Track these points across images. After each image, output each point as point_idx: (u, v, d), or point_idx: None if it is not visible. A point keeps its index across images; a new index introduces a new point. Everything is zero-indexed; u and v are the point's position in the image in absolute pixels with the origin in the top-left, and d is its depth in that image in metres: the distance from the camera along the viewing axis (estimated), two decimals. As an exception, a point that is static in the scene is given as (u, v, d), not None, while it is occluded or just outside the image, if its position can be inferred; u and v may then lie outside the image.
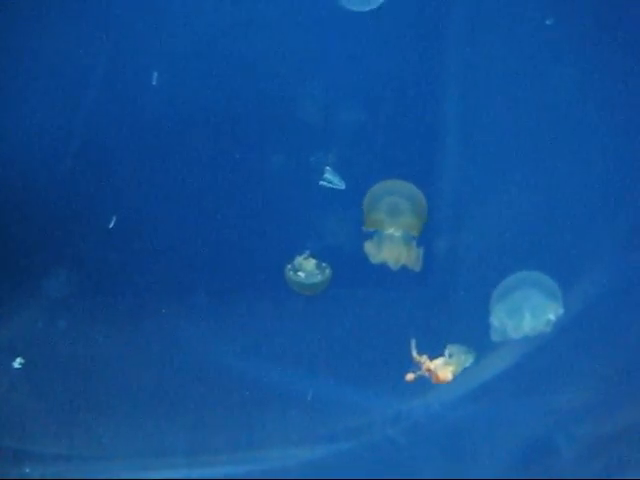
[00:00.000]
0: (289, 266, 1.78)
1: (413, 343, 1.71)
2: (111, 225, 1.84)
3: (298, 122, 1.85)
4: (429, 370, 1.70)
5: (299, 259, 1.78)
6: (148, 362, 1.98)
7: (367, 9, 1.75)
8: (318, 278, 1.77)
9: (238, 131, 1.86)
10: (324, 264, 1.78)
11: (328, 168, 1.72)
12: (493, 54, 1.85)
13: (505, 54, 1.85)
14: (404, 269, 1.82)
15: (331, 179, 1.70)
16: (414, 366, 1.73)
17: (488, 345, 1.86)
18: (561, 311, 1.71)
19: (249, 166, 1.88)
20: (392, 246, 1.72)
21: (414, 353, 1.71)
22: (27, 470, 1.95)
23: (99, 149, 1.86)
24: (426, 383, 1.90)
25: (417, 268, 1.75)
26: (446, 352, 1.73)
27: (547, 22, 1.80)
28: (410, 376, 1.72)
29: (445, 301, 1.94)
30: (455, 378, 1.75)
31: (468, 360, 1.72)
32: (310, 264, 1.78)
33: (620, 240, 1.90)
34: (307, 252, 1.80)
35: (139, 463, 1.99)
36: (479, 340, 1.86)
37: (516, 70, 1.86)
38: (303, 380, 1.98)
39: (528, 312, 1.70)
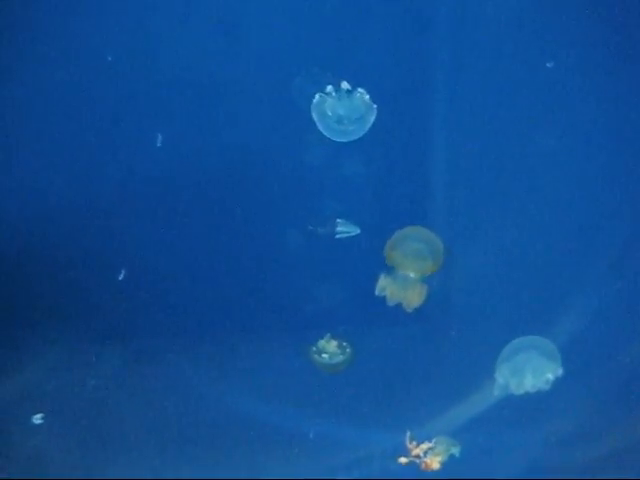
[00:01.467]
0: (314, 349, 1.91)
1: (408, 434, 1.84)
2: (120, 277, 1.94)
3: (301, 176, 1.96)
4: (418, 457, 1.83)
5: (322, 342, 1.91)
6: (155, 404, 2.06)
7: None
8: (340, 358, 1.90)
9: (243, 186, 1.97)
10: (344, 343, 1.91)
11: (339, 220, 1.82)
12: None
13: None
14: (400, 309, 1.95)
15: (345, 229, 1.80)
16: (407, 451, 1.88)
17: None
18: (560, 371, 1.85)
19: (253, 220, 1.98)
20: (405, 285, 1.81)
21: (407, 441, 1.85)
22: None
23: (108, 206, 1.96)
24: (422, 418, 2.02)
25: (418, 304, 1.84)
26: (433, 442, 1.86)
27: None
28: (403, 460, 1.87)
29: (442, 340, 2.03)
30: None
31: (455, 450, 1.86)
32: (332, 346, 1.91)
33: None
34: (328, 335, 1.92)
35: None
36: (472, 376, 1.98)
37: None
38: (304, 420, 2.05)
39: (529, 372, 1.83)
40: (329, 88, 1.82)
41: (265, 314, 2.02)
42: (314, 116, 1.82)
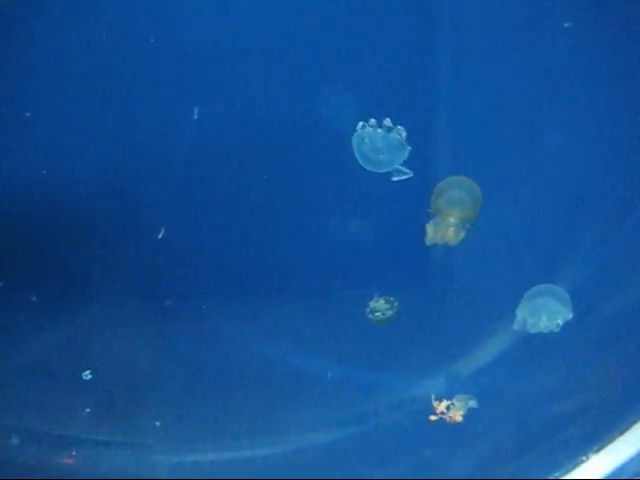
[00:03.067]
0: (367, 310, 2.13)
1: (432, 396, 2.10)
2: (160, 236, 2.07)
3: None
4: (443, 413, 2.09)
5: (372, 303, 2.13)
6: (180, 356, 2.21)
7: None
8: (390, 312, 2.13)
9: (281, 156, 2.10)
10: (392, 298, 2.12)
11: (396, 166, 1.99)
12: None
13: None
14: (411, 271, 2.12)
15: (400, 172, 1.97)
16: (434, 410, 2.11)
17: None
18: (570, 316, 2.06)
19: (288, 187, 2.13)
20: (447, 229, 2.03)
21: (433, 401, 2.10)
22: (73, 453, 2.15)
23: (148, 174, 2.08)
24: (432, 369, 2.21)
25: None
26: (454, 401, 2.11)
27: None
28: (432, 417, 2.12)
29: (450, 299, 2.20)
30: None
31: (472, 403, 2.10)
32: (381, 304, 2.13)
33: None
34: (376, 296, 2.14)
35: (172, 447, 2.20)
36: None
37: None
38: (319, 364, 2.22)
39: (545, 315, 2.05)
40: (371, 121, 1.98)
41: (295, 276, 2.19)
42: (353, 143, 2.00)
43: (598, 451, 1.98)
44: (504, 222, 2.12)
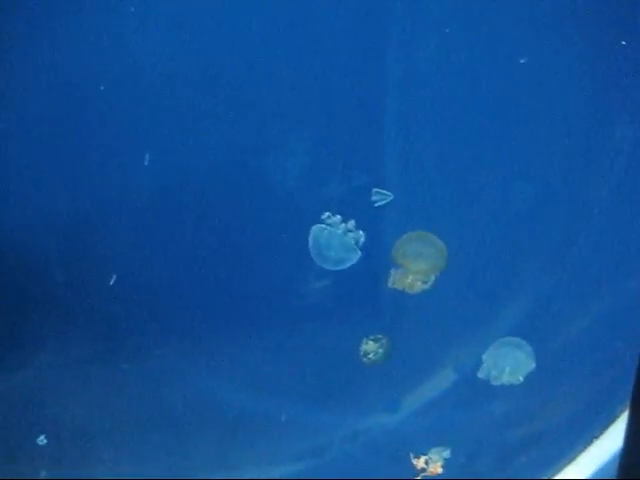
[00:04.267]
0: (361, 354, 2.19)
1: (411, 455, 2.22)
2: (111, 282, 2.06)
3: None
4: (424, 470, 2.23)
5: (362, 347, 2.19)
6: (132, 395, 2.20)
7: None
8: (381, 351, 2.19)
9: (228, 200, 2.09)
10: (379, 336, 2.18)
11: (375, 189, 2.03)
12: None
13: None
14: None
15: (380, 196, 2.01)
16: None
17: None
18: (533, 366, 2.17)
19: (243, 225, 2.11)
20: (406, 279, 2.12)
21: (412, 459, 2.22)
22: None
23: (99, 218, 2.05)
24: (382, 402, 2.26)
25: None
26: (430, 455, 2.23)
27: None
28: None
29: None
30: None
31: (446, 454, 2.22)
32: (371, 345, 2.19)
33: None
34: (364, 338, 2.19)
35: None
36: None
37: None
38: (276, 404, 2.24)
39: (508, 367, 2.16)
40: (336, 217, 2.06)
41: (247, 315, 2.19)
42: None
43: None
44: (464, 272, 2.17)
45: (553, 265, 2.17)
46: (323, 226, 2.05)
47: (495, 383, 2.19)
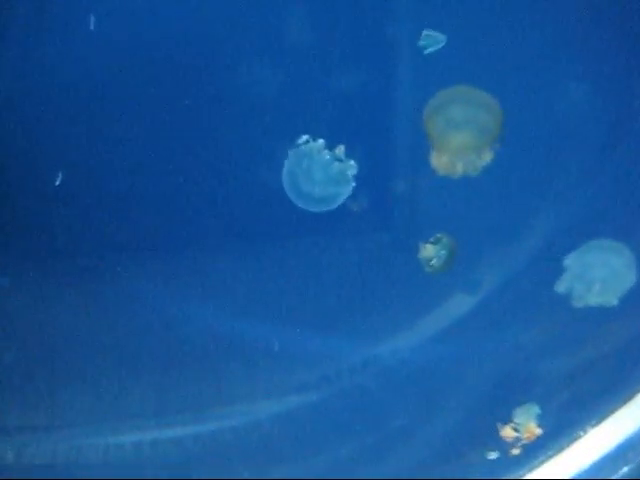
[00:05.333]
0: (423, 262, 1.84)
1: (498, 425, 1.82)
2: (57, 182, 1.77)
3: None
4: (518, 439, 1.83)
5: (420, 254, 1.83)
6: (108, 323, 1.95)
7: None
8: (444, 252, 1.83)
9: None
10: (438, 235, 1.82)
11: (425, 32, 1.65)
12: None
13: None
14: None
15: (431, 40, 1.63)
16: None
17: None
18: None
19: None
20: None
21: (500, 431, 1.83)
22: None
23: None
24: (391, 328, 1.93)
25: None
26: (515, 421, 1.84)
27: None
28: (515, 451, 1.83)
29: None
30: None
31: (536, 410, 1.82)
32: (429, 250, 1.83)
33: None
34: (420, 243, 1.83)
35: (107, 427, 1.98)
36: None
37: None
38: (269, 331, 1.97)
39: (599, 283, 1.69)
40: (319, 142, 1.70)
41: (224, 225, 1.91)
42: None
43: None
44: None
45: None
46: (301, 150, 1.70)
47: (578, 304, 1.74)
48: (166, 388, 2.00)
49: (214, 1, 1.77)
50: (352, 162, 1.72)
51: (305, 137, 1.72)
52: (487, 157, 1.67)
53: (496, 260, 1.90)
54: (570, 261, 1.72)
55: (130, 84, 1.77)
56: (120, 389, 1.98)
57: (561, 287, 1.74)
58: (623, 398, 1.78)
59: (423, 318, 1.96)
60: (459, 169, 1.66)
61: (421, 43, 1.66)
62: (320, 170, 1.71)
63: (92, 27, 1.70)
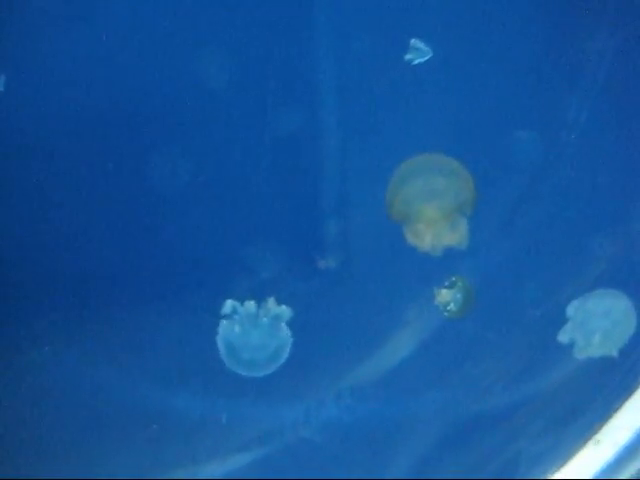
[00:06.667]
0: (440, 307, 1.80)
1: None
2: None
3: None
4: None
5: (437, 299, 1.80)
6: (40, 392, 1.86)
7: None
8: (460, 296, 1.79)
9: None
10: (453, 278, 1.78)
11: (413, 40, 1.60)
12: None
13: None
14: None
15: (417, 53, 1.59)
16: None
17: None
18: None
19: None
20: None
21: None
22: None
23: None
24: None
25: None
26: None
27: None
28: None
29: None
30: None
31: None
32: (445, 294, 1.80)
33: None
34: (435, 289, 1.79)
35: None
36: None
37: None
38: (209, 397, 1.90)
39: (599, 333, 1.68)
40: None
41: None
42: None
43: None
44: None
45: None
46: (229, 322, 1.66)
47: (580, 355, 1.72)
48: (105, 456, 1.91)
49: (129, 56, 1.73)
50: (284, 307, 1.71)
51: (229, 303, 1.69)
52: (463, 226, 1.66)
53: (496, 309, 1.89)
54: (572, 310, 1.73)
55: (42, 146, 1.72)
56: (55, 459, 1.89)
57: (564, 337, 1.75)
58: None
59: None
60: (439, 241, 1.65)
61: (407, 56, 1.63)
62: (256, 334, 1.69)
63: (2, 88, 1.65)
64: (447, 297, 1.79)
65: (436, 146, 1.71)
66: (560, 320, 1.77)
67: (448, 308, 1.79)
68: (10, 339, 1.81)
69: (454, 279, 1.78)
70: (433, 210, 1.60)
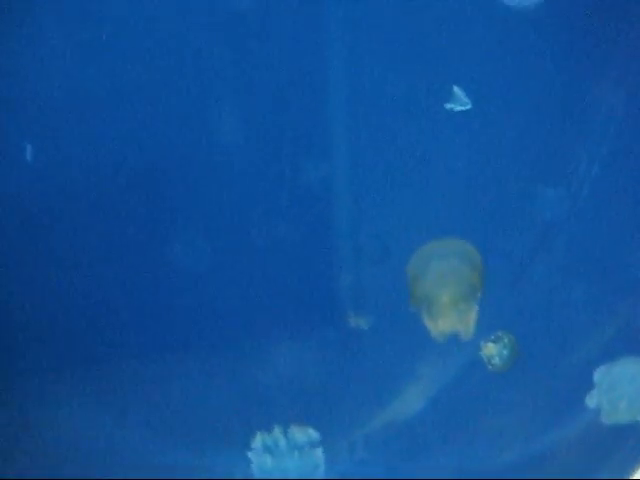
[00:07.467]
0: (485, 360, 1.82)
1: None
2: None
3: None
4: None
5: (484, 352, 1.82)
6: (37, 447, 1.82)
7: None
8: (506, 352, 1.81)
9: None
10: (499, 333, 1.81)
11: (455, 89, 1.63)
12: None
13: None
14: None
15: (458, 102, 1.62)
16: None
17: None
18: None
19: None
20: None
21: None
22: None
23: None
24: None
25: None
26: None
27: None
28: None
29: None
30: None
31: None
32: (491, 348, 1.82)
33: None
34: (481, 342, 1.82)
35: None
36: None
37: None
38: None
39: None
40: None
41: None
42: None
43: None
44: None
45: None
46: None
47: (608, 421, 1.76)
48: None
49: (147, 128, 1.74)
50: (310, 430, 1.73)
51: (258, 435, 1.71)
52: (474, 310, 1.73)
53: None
54: (599, 376, 1.76)
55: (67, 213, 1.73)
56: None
57: (591, 403, 1.77)
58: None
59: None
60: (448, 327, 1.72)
61: (447, 106, 1.66)
62: (288, 460, 1.70)
63: (28, 157, 1.66)
64: (493, 351, 1.82)
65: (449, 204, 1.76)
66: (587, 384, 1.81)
67: (493, 362, 1.82)
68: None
69: (499, 334, 1.81)
70: (448, 297, 1.68)
